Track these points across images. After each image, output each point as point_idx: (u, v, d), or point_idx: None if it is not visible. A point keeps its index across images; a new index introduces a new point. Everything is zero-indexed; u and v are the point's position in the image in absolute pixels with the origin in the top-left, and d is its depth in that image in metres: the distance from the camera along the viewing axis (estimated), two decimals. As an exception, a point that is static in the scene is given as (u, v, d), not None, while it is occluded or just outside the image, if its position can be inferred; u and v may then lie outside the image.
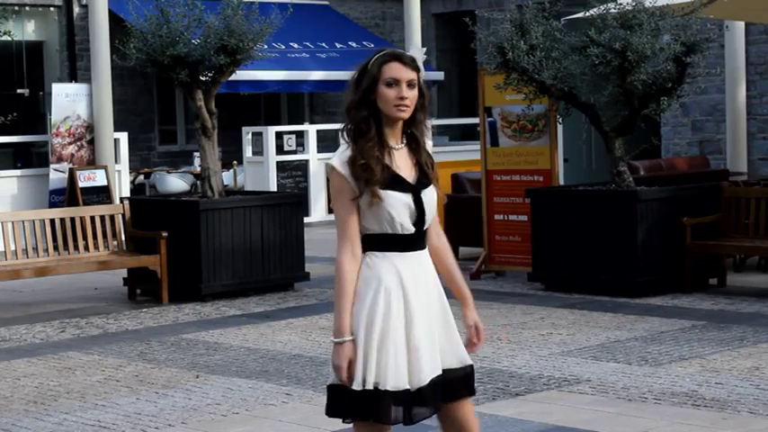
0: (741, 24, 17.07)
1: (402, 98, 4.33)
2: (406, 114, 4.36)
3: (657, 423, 6.83)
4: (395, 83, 4.33)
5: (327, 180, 19.39)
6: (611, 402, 7.35)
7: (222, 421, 7.19)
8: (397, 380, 4.30)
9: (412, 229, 4.37)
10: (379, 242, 4.39)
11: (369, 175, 4.30)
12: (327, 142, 20.49)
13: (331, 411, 4.41)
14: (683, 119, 19.66)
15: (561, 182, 14.21)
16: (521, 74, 11.69)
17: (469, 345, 4.58)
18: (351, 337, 4.30)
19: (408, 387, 4.31)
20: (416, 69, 4.37)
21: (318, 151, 19.68)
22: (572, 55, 11.48)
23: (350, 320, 4.33)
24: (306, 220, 14.43)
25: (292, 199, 13.13)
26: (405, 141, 4.43)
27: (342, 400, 4.36)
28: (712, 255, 11.77)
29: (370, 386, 4.29)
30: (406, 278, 4.37)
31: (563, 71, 11.50)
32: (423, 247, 4.44)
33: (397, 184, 4.35)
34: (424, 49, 4.58)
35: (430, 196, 4.40)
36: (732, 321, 9.98)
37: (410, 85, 4.34)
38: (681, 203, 11.63)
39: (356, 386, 4.29)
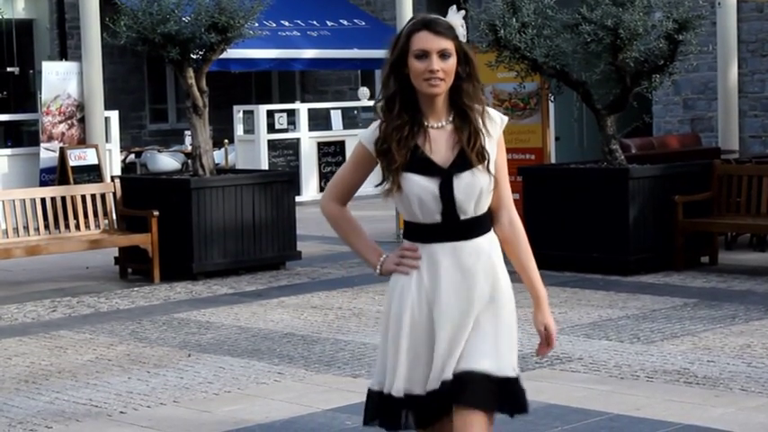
0: (733, 2, 17.03)
1: (432, 71, 3.89)
2: (440, 89, 3.92)
3: (650, 401, 6.83)
4: (424, 54, 3.91)
5: (319, 158, 19.40)
6: (604, 380, 7.35)
7: (214, 400, 7.18)
8: (398, 385, 4.00)
9: (437, 218, 3.95)
10: (409, 231, 4.06)
11: (389, 161, 3.94)
12: (318, 120, 20.47)
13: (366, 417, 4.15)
14: (675, 97, 19.64)
15: (553, 160, 14.16)
16: (512, 52, 11.67)
17: (539, 348, 4.21)
18: (383, 257, 4.09)
19: (414, 392, 4.01)
20: (452, 37, 3.94)
21: (310, 129, 19.66)
22: (564, 32, 11.46)
23: (372, 250, 4.12)
24: (297, 198, 14.40)
25: (284, 177, 13.11)
26: (451, 119, 3.98)
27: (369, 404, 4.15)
28: (704, 233, 11.77)
29: (384, 389, 4.06)
30: (429, 273, 4.00)
31: (555, 49, 11.48)
32: (464, 237, 3.99)
33: (423, 167, 3.94)
34: (462, 12, 4.03)
35: (467, 181, 3.93)
36: (724, 299, 9.98)
37: (443, 55, 3.90)
38: (672, 181, 11.62)
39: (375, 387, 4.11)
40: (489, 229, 4.06)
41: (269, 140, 19.15)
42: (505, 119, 4.08)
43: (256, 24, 12.73)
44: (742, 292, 10.31)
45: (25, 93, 22.36)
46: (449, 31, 3.93)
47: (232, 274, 12.02)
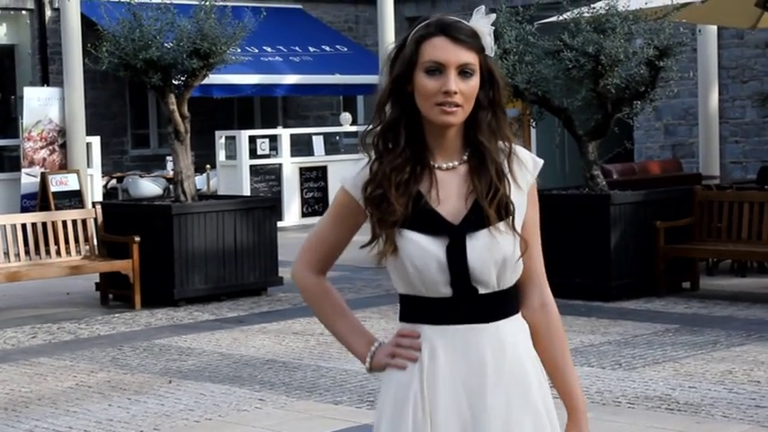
0: (713, 28, 17.12)
1: (448, 93, 2.85)
2: (456, 118, 2.88)
3: (631, 427, 6.82)
4: (437, 69, 2.87)
5: (301, 184, 19.40)
6: (585, 407, 7.33)
7: (195, 427, 7.15)
8: None
9: (448, 292, 2.89)
10: (409, 308, 2.97)
11: (383, 213, 2.90)
12: (301, 146, 20.48)
13: None
14: (656, 123, 19.71)
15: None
16: (494, 78, 11.66)
17: None
18: (374, 346, 3.01)
19: None
20: (477, 48, 2.91)
21: (292, 155, 19.65)
22: (545, 59, 11.49)
23: (360, 337, 3.05)
24: (279, 224, 14.38)
25: (266, 203, 13.10)
26: (466, 157, 2.95)
27: None
28: (685, 258, 11.79)
29: None
30: (431, 369, 2.91)
31: (536, 75, 11.51)
32: (482, 319, 2.91)
33: (426, 223, 2.89)
34: (492, 17, 2.98)
35: (484, 242, 2.88)
36: (705, 325, 9.99)
37: (463, 72, 2.87)
38: (654, 207, 11.65)
39: None
40: (517, 311, 3.00)
41: (251, 166, 19.12)
42: (540, 162, 3.03)
43: (238, 50, 12.73)
44: (723, 318, 10.32)
45: (6, 118, 22.27)
46: (473, 41, 2.91)
47: (213, 300, 11.99)
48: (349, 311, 3.10)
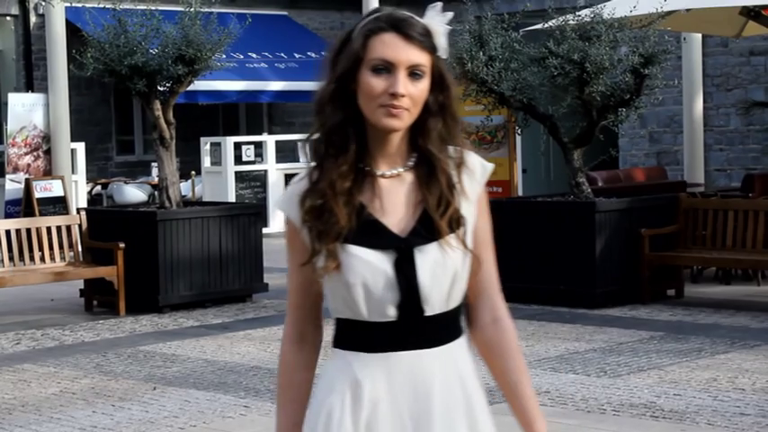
0: (698, 36, 17.18)
1: (395, 95, 2.57)
2: (401, 123, 2.60)
3: (616, 435, 6.83)
4: (385, 68, 2.59)
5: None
6: (570, 414, 7.34)
7: (179, 434, 7.13)
8: None
9: (392, 314, 2.61)
10: (346, 333, 2.71)
11: (325, 225, 2.61)
12: (286, 153, 20.47)
13: None
14: (641, 130, 19.74)
15: (520, 193, 14.23)
16: (480, 85, 11.71)
17: None
18: None
19: None
20: (429, 48, 2.61)
21: (277, 161, 19.65)
22: (531, 66, 11.51)
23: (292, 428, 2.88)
24: (264, 230, 14.37)
25: (251, 210, 13.08)
26: (411, 163, 2.67)
27: None
28: (670, 266, 11.81)
29: None
30: (374, 399, 2.62)
31: (522, 82, 11.52)
32: (429, 343, 2.63)
33: (370, 236, 2.61)
34: (449, 15, 2.66)
35: (435, 257, 2.60)
36: (690, 332, 10.01)
37: (414, 74, 2.59)
38: (639, 215, 11.67)
39: None
40: (461, 333, 2.72)
41: (236, 172, 19.12)
42: (489, 167, 2.75)
43: (223, 56, 12.72)
44: (708, 326, 10.34)
45: (-9, 124, 22.25)
46: (426, 40, 2.61)
47: (198, 306, 11.97)
48: (298, 400, 2.84)
